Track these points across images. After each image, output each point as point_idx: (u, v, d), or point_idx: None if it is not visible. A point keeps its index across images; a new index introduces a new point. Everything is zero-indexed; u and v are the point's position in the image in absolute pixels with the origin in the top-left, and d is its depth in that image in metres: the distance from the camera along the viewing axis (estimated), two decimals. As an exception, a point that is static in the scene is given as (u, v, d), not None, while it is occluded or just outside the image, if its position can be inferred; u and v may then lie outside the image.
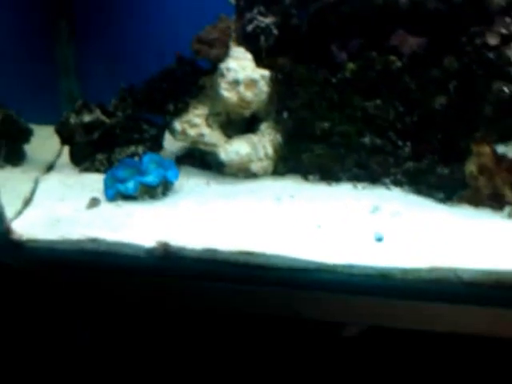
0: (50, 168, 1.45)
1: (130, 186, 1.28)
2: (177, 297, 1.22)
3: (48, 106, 1.54)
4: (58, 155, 1.50)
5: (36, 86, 1.41)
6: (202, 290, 1.22)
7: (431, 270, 1.13)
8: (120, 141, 1.40)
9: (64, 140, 1.41)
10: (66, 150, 1.48)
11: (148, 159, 1.31)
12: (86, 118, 1.37)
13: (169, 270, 1.19)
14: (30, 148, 1.43)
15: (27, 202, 1.31)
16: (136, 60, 1.53)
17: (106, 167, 1.39)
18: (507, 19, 1.26)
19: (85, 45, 1.56)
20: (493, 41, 1.26)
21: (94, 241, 1.18)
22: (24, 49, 1.24)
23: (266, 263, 1.17)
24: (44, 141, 1.47)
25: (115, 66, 1.54)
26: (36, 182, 1.38)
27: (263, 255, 1.16)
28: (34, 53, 1.45)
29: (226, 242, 1.18)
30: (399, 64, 1.36)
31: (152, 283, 1.20)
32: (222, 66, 1.33)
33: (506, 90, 1.25)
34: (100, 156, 1.40)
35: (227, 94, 1.33)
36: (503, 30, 1.26)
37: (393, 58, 1.36)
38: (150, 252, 1.18)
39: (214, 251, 1.17)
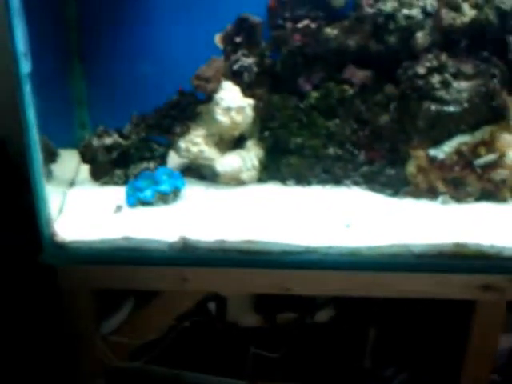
0: (72, 183, 1.56)
1: (148, 194, 1.43)
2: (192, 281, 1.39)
3: (63, 133, 1.65)
4: (77, 173, 1.61)
5: (53, 115, 1.47)
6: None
7: (390, 247, 1.33)
8: (134, 159, 1.54)
9: (87, 159, 1.53)
10: (84, 168, 1.59)
11: (161, 172, 1.47)
12: (107, 140, 1.51)
13: (186, 259, 1.36)
14: (53, 167, 1.51)
15: (60, 211, 1.43)
16: (138, 94, 1.64)
17: (122, 181, 1.52)
18: (429, 56, 1.45)
19: (94, 81, 1.68)
20: (421, 71, 1.43)
21: (126, 239, 1.33)
22: (43, 85, 1.35)
23: (263, 249, 1.35)
24: (63, 161, 1.56)
25: (120, 99, 1.66)
26: (64, 195, 1.49)
27: (261, 242, 1.34)
28: (51, 88, 1.53)
29: (231, 234, 1.35)
30: (352, 92, 1.52)
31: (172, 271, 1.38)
32: (217, 96, 1.49)
33: (432, 107, 1.42)
34: (118, 172, 1.53)
35: (222, 118, 1.49)
36: (427, 64, 1.44)
37: (346, 87, 1.52)
38: (171, 245, 1.33)
39: (223, 241, 1.35)
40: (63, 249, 1.33)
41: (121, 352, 1.48)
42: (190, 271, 1.36)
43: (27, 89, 1.17)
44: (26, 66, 1.15)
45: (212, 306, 1.67)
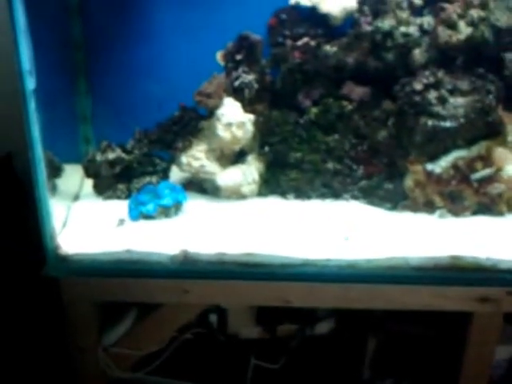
0: (76, 197, 1.57)
1: (150, 207, 1.43)
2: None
3: (68, 148, 1.66)
4: (81, 187, 1.62)
5: (58, 130, 1.50)
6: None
7: (388, 259, 1.33)
8: (137, 173, 1.55)
9: (90, 174, 1.54)
10: (87, 183, 1.60)
11: (163, 186, 1.48)
12: (110, 155, 1.52)
13: (187, 271, 1.36)
14: (58, 182, 1.53)
15: (64, 224, 1.43)
16: (141, 110, 1.66)
17: (125, 195, 1.53)
18: (426, 72, 1.46)
19: (99, 97, 1.70)
20: (418, 87, 1.44)
21: (128, 251, 1.33)
22: (49, 101, 1.36)
23: (263, 261, 1.35)
24: (67, 176, 1.59)
25: (123, 115, 1.68)
26: (68, 208, 1.50)
27: (261, 255, 1.34)
28: (57, 104, 1.56)
29: (231, 247, 1.35)
30: (350, 107, 1.53)
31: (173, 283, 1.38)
32: (218, 112, 1.50)
33: (429, 123, 1.44)
34: (121, 186, 1.54)
35: (223, 133, 1.50)
36: (424, 80, 1.45)
37: (345, 103, 1.53)
38: (172, 258, 1.34)
39: (223, 254, 1.35)
40: (66, 261, 1.34)
41: (123, 363, 1.48)
42: (191, 284, 1.36)
43: (32, 105, 1.18)
44: (30, 83, 1.16)
45: (213, 317, 1.67)
